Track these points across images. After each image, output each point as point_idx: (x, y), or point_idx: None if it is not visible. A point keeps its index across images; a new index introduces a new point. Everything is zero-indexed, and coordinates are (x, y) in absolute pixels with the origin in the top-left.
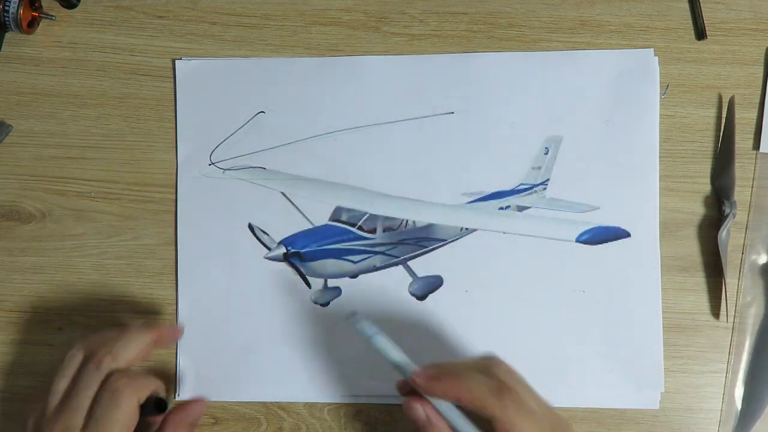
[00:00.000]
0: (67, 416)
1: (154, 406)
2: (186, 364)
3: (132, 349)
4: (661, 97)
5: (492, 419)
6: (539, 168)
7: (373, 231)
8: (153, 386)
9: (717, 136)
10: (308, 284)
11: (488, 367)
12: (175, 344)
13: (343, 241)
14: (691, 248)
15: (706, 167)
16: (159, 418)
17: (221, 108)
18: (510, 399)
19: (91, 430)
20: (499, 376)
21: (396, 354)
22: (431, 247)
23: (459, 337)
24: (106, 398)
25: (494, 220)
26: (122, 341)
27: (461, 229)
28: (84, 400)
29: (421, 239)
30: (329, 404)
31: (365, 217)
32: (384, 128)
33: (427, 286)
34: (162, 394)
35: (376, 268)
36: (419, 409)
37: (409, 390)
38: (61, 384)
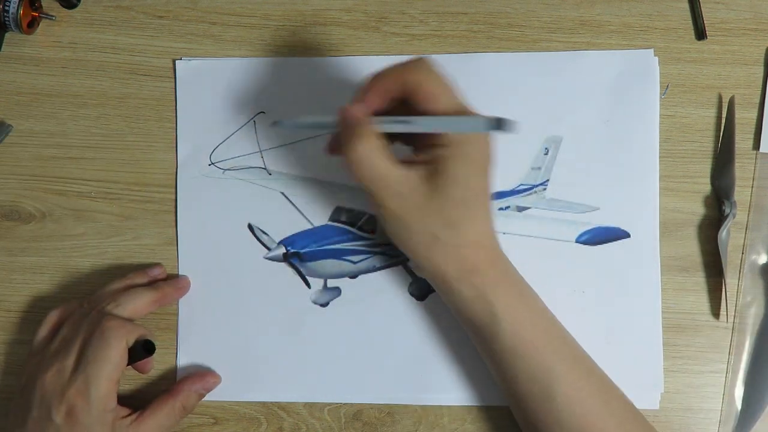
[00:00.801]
0: (61, 359)
1: (143, 347)
2: (186, 363)
3: (137, 302)
4: (661, 97)
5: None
6: (539, 168)
7: (373, 231)
8: (141, 331)
9: (717, 136)
10: (308, 284)
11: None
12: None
13: (343, 241)
14: (691, 248)
15: (706, 167)
16: (148, 366)
17: (221, 108)
18: (423, 62)
19: (82, 369)
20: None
21: (324, 118)
22: None
23: (458, 338)
24: (96, 338)
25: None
26: (128, 295)
27: None
28: (78, 343)
29: None
30: (329, 404)
31: (365, 217)
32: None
33: (427, 287)
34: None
35: (375, 268)
36: (349, 109)
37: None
38: (63, 331)
